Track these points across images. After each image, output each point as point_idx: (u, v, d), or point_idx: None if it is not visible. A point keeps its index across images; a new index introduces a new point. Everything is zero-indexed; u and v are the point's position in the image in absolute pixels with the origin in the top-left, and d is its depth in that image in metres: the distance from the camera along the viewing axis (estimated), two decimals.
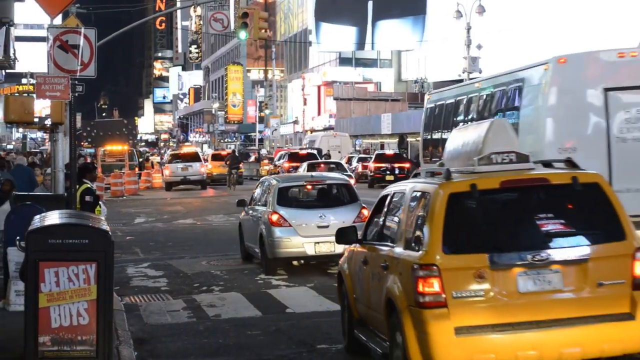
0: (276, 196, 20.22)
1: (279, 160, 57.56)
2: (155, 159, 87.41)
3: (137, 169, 61.14)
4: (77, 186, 17.21)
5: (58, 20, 20.99)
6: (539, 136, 17.07)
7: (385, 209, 10.91)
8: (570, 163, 9.82)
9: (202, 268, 21.18)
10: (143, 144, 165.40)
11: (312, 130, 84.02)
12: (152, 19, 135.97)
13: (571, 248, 9.04)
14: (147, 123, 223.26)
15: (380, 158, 51.24)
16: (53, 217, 11.35)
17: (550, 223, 9.23)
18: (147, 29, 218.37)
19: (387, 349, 9.81)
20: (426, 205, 9.37)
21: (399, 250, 9.78)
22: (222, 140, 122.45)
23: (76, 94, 16.75)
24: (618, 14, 57.68)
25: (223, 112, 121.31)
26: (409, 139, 55.53)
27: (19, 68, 43.04)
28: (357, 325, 11.35)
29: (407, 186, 10.39)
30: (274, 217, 19.70)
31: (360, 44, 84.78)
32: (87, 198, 16.78)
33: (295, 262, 20.34)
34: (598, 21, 58.94)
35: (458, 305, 8.80)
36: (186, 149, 69.69)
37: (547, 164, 10.09)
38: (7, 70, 39.95)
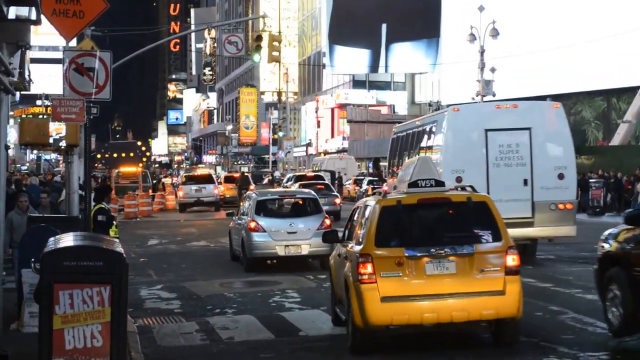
0: (254, 207, 24.90)
1: (287, 182, 57.92)
2: (168, 180, 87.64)
3: (150, 190, 61.27)
4: (93, 206, 17.31)
5: (73, 43, 21.11)
6: (442, 162, 23.67)
7: (353, 217, 14.98)
8: (471, 188, 14.06)
9: (216, 290, 21.17)
10: (157, 165, 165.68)
11: (326, 153, 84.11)
12: (166, 42, 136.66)
13: (463, 246, 12.90)
14: (161, 145, 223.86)
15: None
16: (68, 239, 11.38)
17: (450, 228, 13.37)
18: (161, 51, 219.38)
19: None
20: (368, 214, 13.59)
21: (352, 245, 13.90)
22: (235, 162, 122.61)
23: (91, 117, 16.83)
24: (628, 31, 57.69)
25: (236, 134, 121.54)
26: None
27: (34, 90, 43.23)
28: (337, 303, 15.21)
29: (364, 201, 14.75)
30: (252, 224, 24.28)
31: (374, 67, 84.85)
32: (100, 217, 16.84)
33: (268, 262, 24.66)
34: (610, 42, 58.95)
35: (384, 282, 12.75)
36: (200, 171, 69.83)
37: (455, 188, 14.21)
38: (22, 92, 40.12)
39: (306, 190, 30.50)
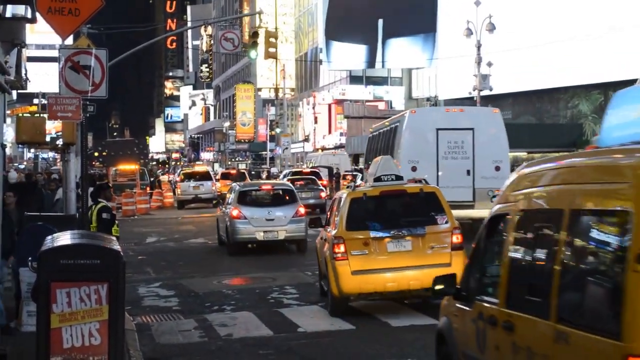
0: (237, 197, 28.03)
1: (283, 178, 58.11)
2: (165, 178, 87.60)
3: (148, 188, 61.28)
4: (93, 205, 17.27)
5: (69, 40, 21.09)
6: (400, 158, 27.19)
7: (332, 207, 17.85)
8: (424, 181, 17.72)
9: (214, 287, 21.19)
10: (154, 163, 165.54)
11: (323, 149, 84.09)
12: (163, 39, 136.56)
13: (417, 228, 15.90)
14: (158, 142, 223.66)
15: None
16: (65, 238, 11.38)
17: (407, 214, 16.34)
18: (158, 49, 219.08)
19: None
20: (341, 205, 16.63)
21: (330, 230, 17.04)
22: (233, 159, 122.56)
23: (87, 115, 16.81)
24: (625, 24, 57.72)
25: (234, 131, 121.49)
26: None
27: (31, 88, 43.18)
28: (322, 278, 17.96)
29: (340, 193, 18.09)
30: (235, 212, 27.24)
31: (371, 62, 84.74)
32: (104, 215, 16.85)
33: (249, 246, 27.70)
34: (607, 35, 58.96)
35: (354, 259, 15.77)
36: (198, 168, 69.86)
37: (412, 181, 17.99)
38: (19, 91, 40.06)
39: (283, 182, 34.32)
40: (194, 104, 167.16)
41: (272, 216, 27.26)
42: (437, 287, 8.92)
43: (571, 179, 6.99)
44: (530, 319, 7.14)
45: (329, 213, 18.37)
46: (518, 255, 7.82)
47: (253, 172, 73.86)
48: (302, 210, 27.68)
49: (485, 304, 8.21)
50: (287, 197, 28.49)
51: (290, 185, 31.53)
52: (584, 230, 6.64)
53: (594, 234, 6.49)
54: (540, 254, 7.35)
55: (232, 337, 15.20)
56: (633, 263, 5.75)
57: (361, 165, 57.54)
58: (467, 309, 8.70)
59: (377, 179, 16.73)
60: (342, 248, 15.79)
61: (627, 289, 5.77)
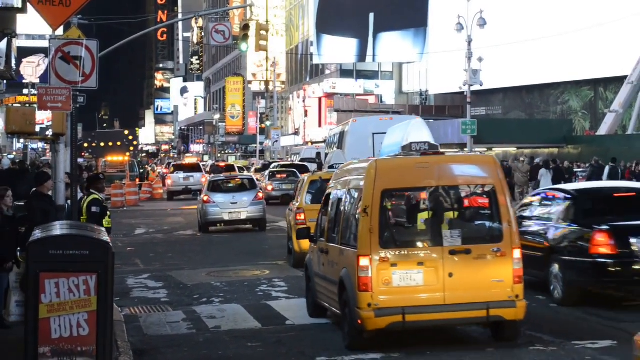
0: (207, 186, 34.47)
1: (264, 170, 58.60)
2: (157, 169, 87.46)
3: (137, 179, 61.28)
4: (85, 197, 17.22)
5: (60, 31, 21.03)
6: (345, 155, 32.79)
7: (297, 187, 23.55)
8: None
9: (202, 279, 21.19)
10: (144, 154, 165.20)
11: (312, 142, 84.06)
12: (153, 30, 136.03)
13: None
14: (148, 134, 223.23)
15: None
16: (54, 229, 11.38)
17: None
18: (148, 40, 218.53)
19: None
20: (303, 184, 22.90)
21: (295, 204, 23.08)
22: (223, 152, 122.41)
23: (77, 105, 16.79)
24: (616, 21, 57.81)
25: (224, 124, 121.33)
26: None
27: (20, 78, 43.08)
28: (289, 240, 22.69)
29: (304, 177, 23.86)
30: (205, 198, 33.12)
31: (362, 56, 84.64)
32: (94, 209, 16.78)
33: (218, 225, 33.37)
34: (597, 31, 59.05)
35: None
36: (188, 160, 69.88)
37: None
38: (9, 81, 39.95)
39: (246, 173, 43.69)
40: (185, 89, 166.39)
41: (235, 200, 32.94)
42: (302, 235, 16.59)
43: (349, 173, 14.50)
44: (332, 245, 14.14)
45: (295, 191, 24.60)
46: (331, 214, 14.64)
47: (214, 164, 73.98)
48: (260, 195, 33.80)
49: (321, 242, 14.90)
50: (249, 185, 34.43)
51: (252, 175, 39.57)
52: (350, 200, 13.75)
53: (354, 200, 13.50)
54: (336, 213, 14.38)
55: (221, 330, 15.21)
56: (361, 213, 12.78)
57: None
58: (315, 246, 15.43)
59: (330, 167, 23.68)
60: (302, 217, 21.28)
61: (358, 226, 12.86)
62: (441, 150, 14.14)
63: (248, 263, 23.70)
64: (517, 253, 12.81)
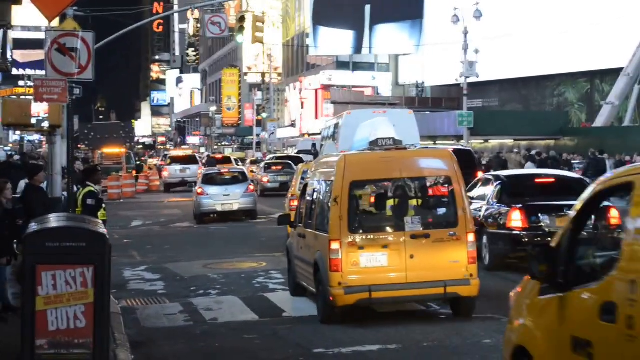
0: (201, 178, 36.28)
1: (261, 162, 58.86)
2: (152, 161, 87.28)
3: (134, 171, 61.24)
4: (81, 189, 17.17)
5: (55, 23, 20.97)
6: (339, 146, 31.76)
7: (293, 176, 24.65)
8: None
9: (199, 271, 21.18)
10: (140, 146, 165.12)
11: (308, 134, 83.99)
12: (149, 22, 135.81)
13: None
14: (144, 126, 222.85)
15: None
16: (51, 221, 11.35)
17: None
18: (144, 32, 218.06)
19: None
20: (296, 174, 25.14)
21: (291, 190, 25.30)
22: (219, 144, 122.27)
23: (74, 97, 16.75)
24: (612, 12, 57.78)
25: (220, 116, 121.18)
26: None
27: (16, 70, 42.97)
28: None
29: (300, 165, 25.17)
30: (199, 190, 34.67)
31: (358, 48, 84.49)
32: (89, 201, 16.71)
33: (212, 216, 34.77)
34: (593, 23, 59.02)
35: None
36: (184, 152, 69.86)
37: None
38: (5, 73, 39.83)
39: (238, 166, 43.42)
40: (180, 80, 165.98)
41: (228, 192, 34.42)
42: (282, 222, 18.63)
43: (323, 166, 16.06)
44: (309, 231, 15.51)
45: (294, 181, 25.77)
46: (308, 202, 16.02)
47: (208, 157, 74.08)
48: (251, 187, 35.35)
49: (299, 227, 16.33)
50: (240, 178, 35.66)
51: (243, 168, 40.86)
52: (324, 191, 15.10)
53: (326, 190, 14.89)
54: (311, 202, 15.77)
55: (217, 322, 15.21)
56: (332, 201, 14.13)
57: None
58: (294, 230, 16.91)
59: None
60: (295, 203, 20.13)
61: (330, 213, 14.21)
62: (404, 146, 15.30)
63: (245, 255, 23.69)
64: (471, 237, 14.18)
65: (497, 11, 62.27)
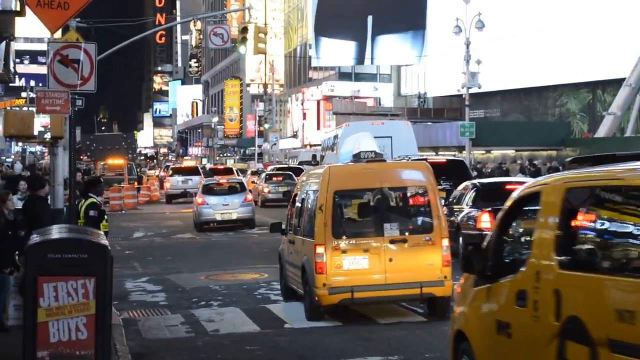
0: (201, 189, 37.38)
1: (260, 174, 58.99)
2: (152, 172, 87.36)
3: (136, 182, 61.32)
4: (83, 200, 17.17)
5: (58, 34, 21.01)
6: (338, 157, 32.49)
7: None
8: None
9: (201, 283, 21.17)
10: (142, 157, 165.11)
11: (310, 145, 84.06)
12: (152, 33, 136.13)
13: None
14: (146, 137, 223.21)
15: None
16: (53, 232, 11.35)
17: None
18: (147, 43, 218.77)
19: None
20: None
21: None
22: (221, 155, 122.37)
23: (76, 108, 16.77)
24: (614, 22, 57.83)
25: (222, 127, 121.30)
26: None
27: (18, 81, 43.08)
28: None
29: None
30: (199, 200, 36.11)
31: (360, 59, 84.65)
32: (91, 213, 16.72)
33: (211, 225, 35.99)
34: (594, 34, 59.08)
35: None
36: (186, 163, 69.95)
37: None
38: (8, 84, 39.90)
39: (236, 177, 44.40)
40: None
41: (227, 202, 35.68)
42: (274, 229, 18.92)
43: (310, 177, 17.17)
44: (297, 237, 16.70)
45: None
46: (297, 211, 17.15)
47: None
48: (249, 197, 36.69)
49: (290, 234, 17.55)
50: (239, 188, 37.02)
51: (241, 179, 41.72)
52: (310, 200, 16.10)
53: (313, 199, 15.89)
54: (300, 210, 16.90)
55: (219, 333, 15.20)
56: (317, 210, 15.18)
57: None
58: (285, 237, 18.08)
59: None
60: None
61: (315, 220, 15.25)
62: (383, 158, 16.78)
63: (246, 266, 23.69)
64: (445, 242, 15.28)
65: (499, 22, 62.32)
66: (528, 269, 7.79)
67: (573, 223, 7.51)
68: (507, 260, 8.68)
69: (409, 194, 16.20)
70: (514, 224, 8.99)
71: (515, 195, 8.77)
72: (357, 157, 16.41)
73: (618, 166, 7.39)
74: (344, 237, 15.27)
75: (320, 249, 15.13)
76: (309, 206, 16.31)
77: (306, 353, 13.29)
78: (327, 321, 15.40)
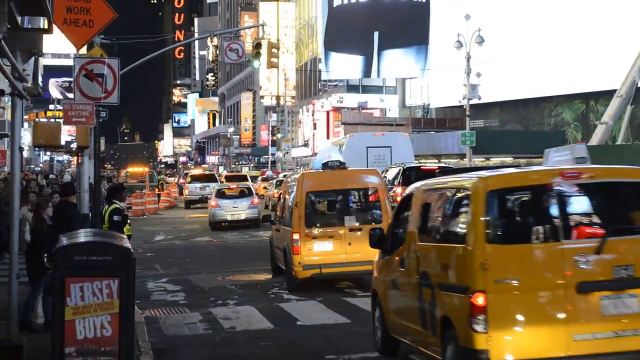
0: (215, 193, 40.42)
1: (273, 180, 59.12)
2: (171, 180, 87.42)
3: (157, 189, 61.43)
4: (107, 206, 17.23)
5: (83, 50, 21.08)
6: (315, 162, 30.49)
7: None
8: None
9: (218, 283, 21.19)
10: (162, 166, 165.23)
11: None
12: (171, 49, 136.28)
13: None
14: (166, 146, 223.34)
15: None
16: (79, 236, 11.39)
17: None
18: (166, 58, 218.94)
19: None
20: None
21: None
22: (237, 163, 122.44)
23: (100, 120, 16.82)
24: (605, 36, 57.74)
25: (238, 136, 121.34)
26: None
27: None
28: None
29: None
30: (213, 203, 39.20)
31: (367, 72, 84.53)
32: (115, 218, 16.79)
33: (223, 224, 38.53)
34: (588, 47, 59.02)
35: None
36: (204, 171, 70.06)
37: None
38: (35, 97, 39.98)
39: (246, 182, 45.98)
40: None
41: (237, 204, 38.67)
42: (265, 220, 23.85)
43: (291, 181, 20.76)
44: (281, 227, 20.33)
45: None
46: (280, 205, 20.52)
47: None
48: (256, 200, 39.54)
49: (276, 224, 20.96)
50: (247, 192, 39.92)
51: (249, 184, 44.23)
52: (290, 197, 19.37)
53: (291, 199, 19.41)
54: (283, 206, 20.66)
55: (235, 330, 15.21)
56: (294, 206, 18.92)
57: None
58: (274, 226, 21.29)
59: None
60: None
61: (293, 214, 19.08)
62: (346, 166, 20.34)
63: (261, 267, 23.67)
64: None
65: (498, 37, 62.25)
66: (405, 243, 11.24)
67: (425, 213, 10.91)
68: (397, 240, 11.68)
69: (364, 194, 19.70)
70: (404, 214, 11.67)
71: (405, 194, 11.96)
72: (325, 165, 20.06)
73: (451, 177, 10.98)
74: (314, 227, 18.90)
75: (296, 236, 18.64)
76: (289, 203, 19.65)
77: (317, 348, 13.29)
78: (336, 318, 15.39)
